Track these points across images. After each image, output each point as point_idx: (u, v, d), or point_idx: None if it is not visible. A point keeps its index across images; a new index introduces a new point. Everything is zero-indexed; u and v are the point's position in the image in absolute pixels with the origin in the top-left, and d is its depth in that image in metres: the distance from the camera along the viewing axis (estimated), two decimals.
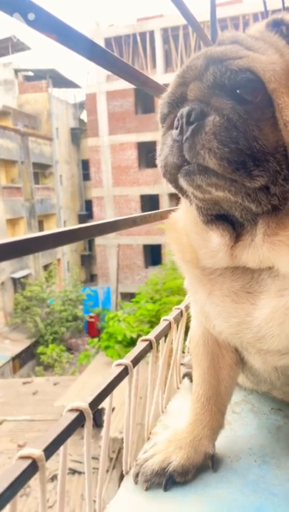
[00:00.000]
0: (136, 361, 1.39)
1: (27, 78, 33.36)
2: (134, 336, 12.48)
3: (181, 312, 1.88)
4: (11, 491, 0.79)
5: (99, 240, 27.65)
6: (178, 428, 1.38)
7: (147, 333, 1.69)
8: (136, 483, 1.27)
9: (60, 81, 33.30)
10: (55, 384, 16.00)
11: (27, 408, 13.50)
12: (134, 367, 1.36)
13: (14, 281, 25.15)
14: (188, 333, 1.56)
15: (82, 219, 33.65)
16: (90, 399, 1.12)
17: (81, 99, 34.64)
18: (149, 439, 1.50)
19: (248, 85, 0.93)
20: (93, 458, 1.13)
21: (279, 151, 0.94)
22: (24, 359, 22.46)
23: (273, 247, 1.02)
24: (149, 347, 1.53)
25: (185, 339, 1.97)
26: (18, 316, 23.92)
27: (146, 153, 26.41)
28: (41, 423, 12.20)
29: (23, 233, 24.91)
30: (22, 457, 0.87)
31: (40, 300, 24.29)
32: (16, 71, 31.76)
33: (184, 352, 2.02)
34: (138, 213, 1.63)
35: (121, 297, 26.03)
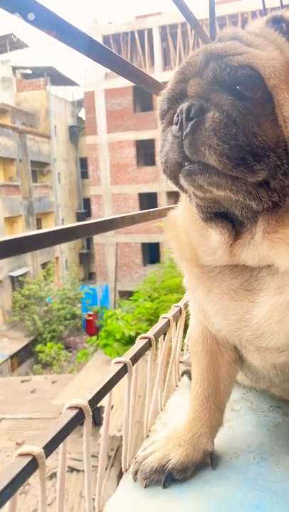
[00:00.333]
0: (135, 359, 1.39)
1: (25, 76, 33.25)
2: (133, 334, 12.48)
3: (180, 310, 1.88)
4: (11, 488, 0.79)
5: (97, 238, 27.65)
6: (177, 426, 1.38)
7: (146, 331, 1.69)
8: (135, 480, 1.27)
9: (59, 79, 33.21)
10: (53, 382, 16.00)
11: (25, 406, 13.50)
12: (133, 365, 1.36)
13: (12, 279, 25.12)
14: (187, 331, 1.56)
15: (80, 217, 33.60)
16: (90, 396, 1.12)
17: (79, 97, 34.58)
18: (148, 436, 1.50)
19: (247, 81, 0.93)
20: (92, 456, 1.13)
21: (280, 146, 0.94)
22: (22, 357, 22.45)
23: (273, 245, 1.02)
24: (148, 345, 1.53)
25: (184, 337, 1.97)
26: (17, 315, 23.90)
27: (145, 152, 26.42)
28: (39, 421, 12.21)
29: (21, 231, 24.87)
30: (22, 454, 0.87)
31: (39, 298, 24.29)
32: (14, 69, 31.66)
33: (182, 350, 2.02)
34: (136, 211, 1.63)
35: (119, 295, 26.02)
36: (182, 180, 0.99)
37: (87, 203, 32.48)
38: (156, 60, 26.39)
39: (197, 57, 0.99)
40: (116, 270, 27.31)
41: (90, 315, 24.91)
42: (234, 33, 1.01)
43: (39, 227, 28.17)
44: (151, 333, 1.59)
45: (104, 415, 1.24)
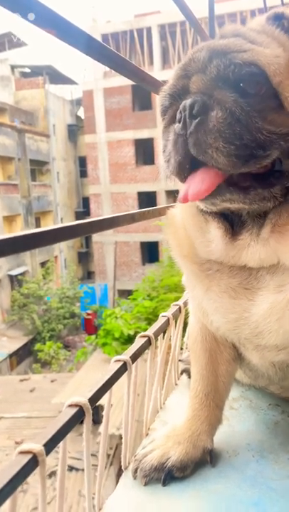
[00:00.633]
0: (135, 357, 1.39)
1: (24, 74, 33.19)
2: (132, 333, 12.48)
3: (180, 308, 1.88)
4: (11, 486, 0.79)
5: (96, 237, 27.63)
6: (176, 424, 1.39)
7: (144, 330, 1.70)
8: (134, 478, 1.27)
9: (57, 77, 33.15)
10: (52, 381, 15.99)
11: (24, 405, 13.49)
12: (132, 363, 1.36)
13: (11, 278, 25.10)
14: (187, 330, 1.56)
15: (79, 216, 33.54)
16: (89, 395, 1.12)
17: (78, 95, 34.49)
18: (147, 434, 1.51)
19: (251, 79, 0.93)
20: (91, 454, 1.13)
21: None
22: (21, 356, 22.44)
23: (282, 237, 1.03)
24: (148, 343, 1.53)
25: (183, 335, 1.97)
26: (15, 314, 23.89)
27: (144, 150, 26.41)
28: (38, 420, 12.20)
29: (19, 230, 24.75)
30: (22, 452, 0.87)
31: (38, 297, 24.27)
32: (13, 67, 31.60)
33: (182, 348, 2.02)
34: (136, 210, 1.63)
35: (118, 294, 26.02)
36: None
37: (86, 202, 32.47)
38: (155, 59, 26.36)
39: (200, 53, 0.99)
40: (115, 269, 27.31)
41: (88, 314, 24.90)
42: (236, 30, 1.00)
43: (38, 226, 28.13)
44: (150, 331, 1.59)
45: (103, 413, 1.24)
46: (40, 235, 0.95)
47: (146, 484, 1.24)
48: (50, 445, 0.93)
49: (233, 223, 1.09)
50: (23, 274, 25.74)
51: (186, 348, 2.02)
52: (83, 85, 29.09)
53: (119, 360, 1.33)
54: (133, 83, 1.52)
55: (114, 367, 1.29)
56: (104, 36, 26.02)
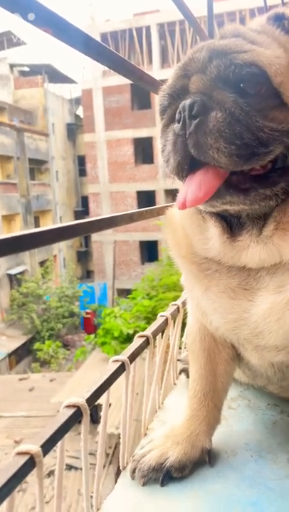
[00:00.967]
0: (133, 357, 1.39)
1: (22, 73, 33.15)
2: (131, 332, 12.48)
3: (178, 308, 1.88)
4: (9, 487, 0.79)
5: (95, 237, 27.61)
6: (175, 423, 1.38)
7: (144, 329, 1.69)
8: (133, 478, 1.27)
9: (56, 76, 33.13)
10: (51, 380, 16.00)
11: (23, 404, 13.50)
12: (131, 363, 1.36)
13: (10, 277, 25.09)
14: (185, 329, 1.56)
15: (78, 215, 33.55)
16: (87, 395, 1.12)
17: (77, 94, 34.45)
18: (146, 434, 1.50)
19: (252, 79, 0.93)
20: (90, 454, 1.13)
21: None
22: (20, 355, 22.44)
23: (287, 234, 1.03)
24: (146, 343, 1.53)
25: (182, 335, 1.97)
26: (14, 313, 23.89)
27: (143, 150, 26.39)
28: (38, 419, 12.21)
29: (19, 229, 24.80)
30: (20, 453, 0.87)
31: (37, 296, 24.27)
32: (12, 66, 31.57)
33: (180, 348, 2.02)
34: (135, 209, 1.63)
35: (117, 293, 26.02)
36: None
37: (85, 201, 32.42)
38: (154, 58, 26.34)
39: (200, 53, 0.99)
40: (114, 268, 27.30)
41: (88, 313, 24.89)
42: (236, 30, 1.00)
43: (37, 225, 28.15)
44: (149, 331, 1.59)
45: (102, 413, 1.24)
46: (40, 234, 0.94)
47: (144, 484, 1.24)
48: (48, 446, 0.93)
49: (231, 224, 1.09)
50: (22, 273, 25.73)
51: (185, 348, 2.02)
52: (82, 84, 29.07)
53: (117, 361, 1.33)
54: (132, 82, 1.52)
55: (112, 367, 1.29)
56: (103, 35, 25.99)
